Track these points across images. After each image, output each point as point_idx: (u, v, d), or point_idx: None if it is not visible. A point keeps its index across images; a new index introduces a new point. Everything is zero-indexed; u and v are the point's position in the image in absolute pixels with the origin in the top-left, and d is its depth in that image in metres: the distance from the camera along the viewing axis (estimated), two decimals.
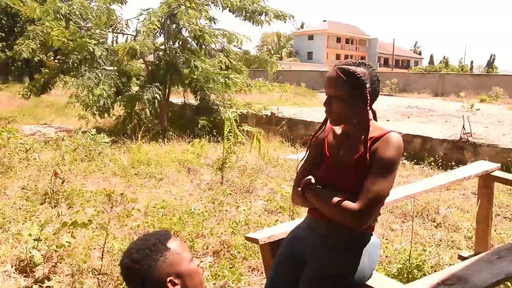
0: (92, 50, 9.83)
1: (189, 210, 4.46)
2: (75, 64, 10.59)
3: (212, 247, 3.71)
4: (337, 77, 1.66)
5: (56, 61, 16.18)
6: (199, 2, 10.62)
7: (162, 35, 10.94)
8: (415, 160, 7.31)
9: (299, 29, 59.73)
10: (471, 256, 3.16)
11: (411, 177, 6.42)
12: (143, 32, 9.82)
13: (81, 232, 3.59)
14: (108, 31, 10.94)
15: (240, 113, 10.00)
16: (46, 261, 3.25)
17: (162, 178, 6.06)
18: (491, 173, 3.16)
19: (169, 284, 1.25)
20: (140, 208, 4.56)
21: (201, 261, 3.30)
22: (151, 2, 13.34)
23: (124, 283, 1.34)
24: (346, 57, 54.33)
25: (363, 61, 1.74)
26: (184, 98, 12.14)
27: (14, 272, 3.16)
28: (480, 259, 2.41)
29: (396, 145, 1.63)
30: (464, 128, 7.60)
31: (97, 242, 3.57)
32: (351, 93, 1.64)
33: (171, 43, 10.98)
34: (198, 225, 4.03)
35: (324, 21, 62.19)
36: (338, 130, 1.80)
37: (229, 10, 11.00)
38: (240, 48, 11.96)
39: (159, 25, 10.16)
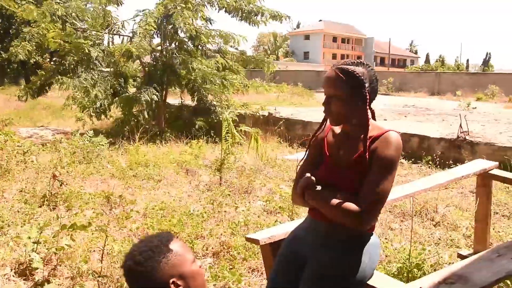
0: (88, 51, 9.78)
1: (188, 211, 4.45)
2: (72, 66, 10.55)
3: (212, 248, 3.70)
4: (336, 77, 1.65)
5: (52, 63, 16.11)
6: (195, 3, 10.62)
7: (158, 36, 10.94)
8: (412, 159, 7.33)
9: (295, 29, 59.73)
10: (470, 254, 3.18)
11: (409, 176, 6.45)
12: (140, 33, 9.81)
13: (80, 234, 3.58)
14: (104, 33, 10.90)
15: (237, 114, 10.06)
16: (46, 264, 3.23)
17: (161, 180, 6.05)
18: (489, 172, 3.17)
19: (172, 286, 1.25)
20: (139, 209, 4.55)
21: (202, 262, 3.29)
22: (147, 3, 13.32)
23: (126, 285, 1.34)
24: (342, 56, 54.55)
25: (361, 60, 1.74)
26: (181, 99, 12.15)
27: (13, 276, 3.14)
28: (480, 257, 2.42)
29: (395, 144, 1.63)
30: (461, 127, 7.63)
31: (96, 244, 3.57)
32: (350, 93, 1.64)
33: (168, 44, 10.98)
34: (197, 226, 4.03)
35: (320, 20, 62.25)
36: (337, 129, 1.80)
37: (225, 11, 11.02)
38: (236, 48, 11.98)
39: (155, 26, 10.13)
